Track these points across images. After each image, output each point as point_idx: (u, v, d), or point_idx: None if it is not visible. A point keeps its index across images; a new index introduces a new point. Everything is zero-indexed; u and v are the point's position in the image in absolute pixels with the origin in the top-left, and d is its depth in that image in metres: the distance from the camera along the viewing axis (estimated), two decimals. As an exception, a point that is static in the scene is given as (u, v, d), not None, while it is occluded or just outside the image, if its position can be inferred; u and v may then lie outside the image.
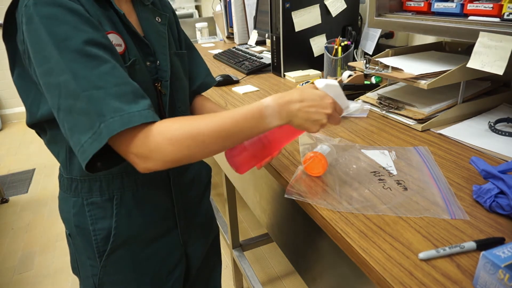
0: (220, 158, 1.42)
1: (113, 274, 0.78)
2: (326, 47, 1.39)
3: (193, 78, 0.92)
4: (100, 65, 0.58)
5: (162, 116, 0.77)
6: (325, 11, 1.47)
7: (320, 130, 0.65)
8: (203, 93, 0.98)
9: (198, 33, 2.63)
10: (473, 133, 0.90)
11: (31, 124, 0.71)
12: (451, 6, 0.93)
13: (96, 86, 0.56)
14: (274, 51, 1.53)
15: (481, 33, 0.80)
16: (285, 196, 0.71)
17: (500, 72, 0.77)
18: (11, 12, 0.63)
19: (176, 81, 0.79)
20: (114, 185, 0.74)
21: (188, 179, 0.86)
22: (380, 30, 1.40)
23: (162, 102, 0.77)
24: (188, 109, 0.87)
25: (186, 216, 0.86)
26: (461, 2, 0.90)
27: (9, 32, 0.65)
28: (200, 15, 3.78)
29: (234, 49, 1.99)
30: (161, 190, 0.80)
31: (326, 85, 0.67)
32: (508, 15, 0.79)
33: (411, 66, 0.99)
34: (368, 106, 1.10)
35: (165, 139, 0.57)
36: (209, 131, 0.58)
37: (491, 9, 0.82)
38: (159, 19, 0.78)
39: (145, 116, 0.57)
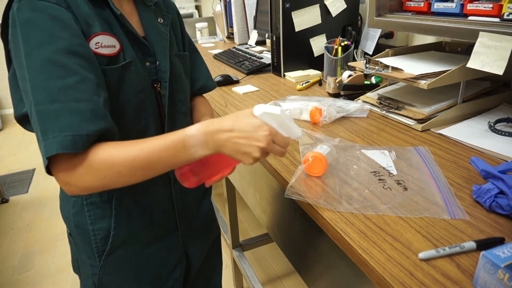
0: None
1: (112, 274, 0.78)
2: (326, 47, 1.39)
3: (193, 80, 0.92)
4: (66, 76, 0.57)
5: (161, 117, 0.77)
6: (325, 11, 1.48)
7: (255, 162, 0.61)
8: (203, 95, 0.98)
9: (198, 33, 2.63)
10: (473, 133, 0.90)
11: (17, 118, 0.71)
12: (451, 6, 0.93)
13: (52, 100, 0.56)
14: (274, 51, 1.53)
15: (481, 33, 0.80)
16: (285, 196, 0.71)
17: (500, 72, 0.77)
18: (7, 12, 0.63)
19: (176, 82, 0.79)
20: None
21: None
22: (380, 30, 1.40)
23: (162, 103, 0.77)
24: (189, 111, 0.87)
25: (186, 217, 0.86)
26: (461, 2, 0.90)
27: (6, 32, 0.65)
28: (200, 15, 3.78)
29: (234, 49, 1.99)
30: (161, 191, 0.80)
31: (263, 113, 0.59)
32: (508, 15, 0.79)
33: (411, 66, 0.99)
34: (368, 106, 1.10)
35: (84, 167, 0.57)
36: (125, 162, 0.57)
37: (491, 9, 0.82)
38: (162, 20, 0.78)
39: (84, 142, 0.56)
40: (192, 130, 0.59)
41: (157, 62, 0.75)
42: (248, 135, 0.58)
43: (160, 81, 0.75)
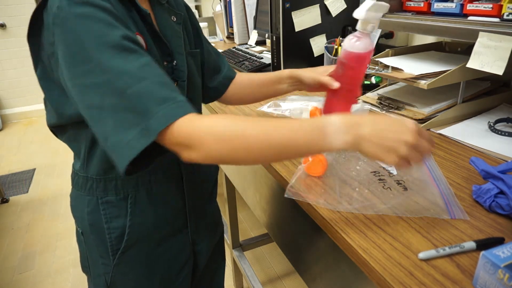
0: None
1: (125, 273, 0.79)
2: (326, 47, 1.39)
3: (219, 65, 0.94)
4: (140, 57, 0.58)
5: None
6: (325, 11, 1.47)
7: (398, 163, 0.54)
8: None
9: (198, 33, 2.62)
10: (473, 133, 0.90)
11: (56, 124, 0.71)
12: (451, 6, 0.93)
13: (139, 79, 0.56)
14: (274, 51, 1.53)
15: (480, 33, 0.80)
16: (285, 196, 0.71)
17: (500, 72, 0.77)
18: (38, 13, 0.62)
19: (191, 80, 0.79)
20: (129, 184, 0.74)
21: (200, 179, 0.87)
22: (380, 30, 1.40)
23: None
24: (201, 108, 0.88)
25: (196, 215, 0.86)
26: (461, 2, 0.90)
27: (34, 33, 0.64)
28: (200, 15, 3.78)
29: (234, 49, 1.99)
30: (174, 189, 0.80)
31: None
32: (507, 15, 0.79)
33: (411, 66, 0.99)
34: (368, 106, 1.10)
35: (209, 134, 0.55)
36: (257, 136, 0.55)
37: (490, 9, 0.83)
38: (175, 18, 0.78)
39: (189, 107, 0.57)
40: (333, 119, 0.55)
41: (174, 62, 0.75)
42: (395, 128, 0.54)
43: (177, 81, 0.76)
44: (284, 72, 0.90)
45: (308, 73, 0.87)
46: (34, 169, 3.09)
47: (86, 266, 0.83)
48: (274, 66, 1.56)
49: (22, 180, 2.94)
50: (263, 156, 0.57)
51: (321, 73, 0.83)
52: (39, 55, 0.65)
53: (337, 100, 0.77)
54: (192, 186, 0.83)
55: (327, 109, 0.80)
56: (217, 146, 0.55)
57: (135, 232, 0.76)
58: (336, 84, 0.75)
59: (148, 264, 0.80)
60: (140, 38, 0.66)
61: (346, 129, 0.54)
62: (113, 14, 0.59)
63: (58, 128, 0.74)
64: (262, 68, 1.63)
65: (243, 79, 0.96)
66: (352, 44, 0.70)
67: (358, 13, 0.67)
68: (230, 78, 0.96)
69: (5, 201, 2.65)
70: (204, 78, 0.91)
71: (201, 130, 0.55)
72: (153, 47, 0.70)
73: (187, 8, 0.88)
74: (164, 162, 0.75)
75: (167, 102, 0.55)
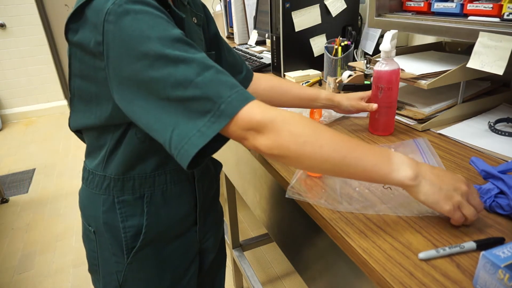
0: (219, 157, 1.42)
1: (137, 271, 0.79)
2: (326, 47, 1.39)
3: (239, 66, 0.95)
4: (200, 50, 0.59)
5: None
6: (325, 11, 1.47)
7: (453, 212, 0.56)
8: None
9: (198, 33, 2.62)
10: (473, 133, 0.90)
11: (86, 126, 0.70)
12: (451, 6, 0.93)
13: (207, 66, 0.56)
14: (274, 51, 1.53)
15: (481, 33, 0.80)
16: (286, 196, 0.71)
17: (500, 72, 0.77)
18: (80, 12, 0.60)
19: None
20: (146, 184, 0.74)
21: (209, 179, 0.87)
22: (380, 30, 1.40)
23: None
24: None
25: (204, 213, 0.87)
26: (461, 2, 0.90)
27: (72, 31, 0.62)
28: (200, 15, 3.78)
29: (234, 49, 1.98)
30: (186, 189, 0.81)
31: None
32: (508, 15, 0.79)
33: (411, 66, 0.99)
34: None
35: (288, 125, 0.55)
36: (330, 139, 0.56)
37: (491, 9, 0.82)
38: (195, 20, 0.77)
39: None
40: (395, 152, 0.58)
41: None
42: (450, 175, 0.58)
43: None
44: (322, 93, 0.94)
45: (346, 101, 0.93)
46: (34, 169, 3.09)
47: (94, 264, 0.83)
48: (274, 66, 1.56)
49: (22, 180, 2.94)
50: (329, 162, 0.56)
51: (358, 100, 0.93)
52: (76, 53, 0.64)
53: (380, 117, 0.91)
54: (202, 186, 0.84)
55: (374, 126, 0.94)
56: (291, 139, 0.55)
57: (151, 231, 0.76)
58: (375, 106, 0.88)
59: (159, 263, 0.80)
60: None
61: (410, 164, 0.57)
62: (166, 14, 0.60)
63: (84, 130, 0.73)
64: (262, 68, 1.62)
65: (276, 84, 0.96)
66: (384, 68, 0.85)
67: (385, 47, 0.83)
68: (249, 79, 0.97)
69: (5, 201, 2.65)
70: None
71: (279, 119, 0.55)
72: None
73: (204, 7, 0.87)
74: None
75: (237, 87, 0.56)
